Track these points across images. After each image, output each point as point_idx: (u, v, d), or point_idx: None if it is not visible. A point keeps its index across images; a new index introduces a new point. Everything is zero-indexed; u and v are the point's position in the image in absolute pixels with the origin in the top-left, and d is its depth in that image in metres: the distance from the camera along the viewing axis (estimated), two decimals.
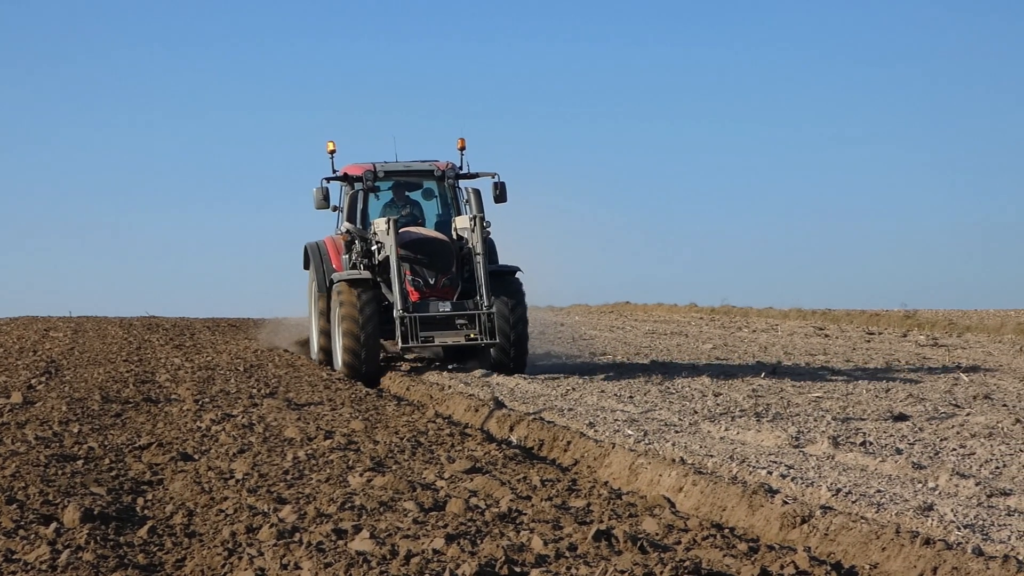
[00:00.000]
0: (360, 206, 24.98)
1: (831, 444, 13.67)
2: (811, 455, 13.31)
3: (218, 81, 65.71)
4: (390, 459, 13.31)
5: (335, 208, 25.29)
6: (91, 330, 35.83)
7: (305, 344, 28.89)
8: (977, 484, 11.25)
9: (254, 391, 20.22)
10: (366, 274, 23.83)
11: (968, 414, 16.59)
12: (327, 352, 24.91)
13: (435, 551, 9.11)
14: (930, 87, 61.79)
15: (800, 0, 62.51)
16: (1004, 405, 17.65)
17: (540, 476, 12.32)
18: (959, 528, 9.69)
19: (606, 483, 12.48)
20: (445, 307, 23.16)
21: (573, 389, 20.05)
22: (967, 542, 9.25)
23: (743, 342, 32.09)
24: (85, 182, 65.06)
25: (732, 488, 11.23)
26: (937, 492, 11.21)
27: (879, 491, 11.18)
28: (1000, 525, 9.83)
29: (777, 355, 27.50)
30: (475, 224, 23.28)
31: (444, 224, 25.14)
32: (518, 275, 24.16)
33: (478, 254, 23.14)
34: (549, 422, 16.16)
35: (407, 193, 25.58)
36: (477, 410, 18.01)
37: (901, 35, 61.92)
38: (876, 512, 10.36)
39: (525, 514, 10.49)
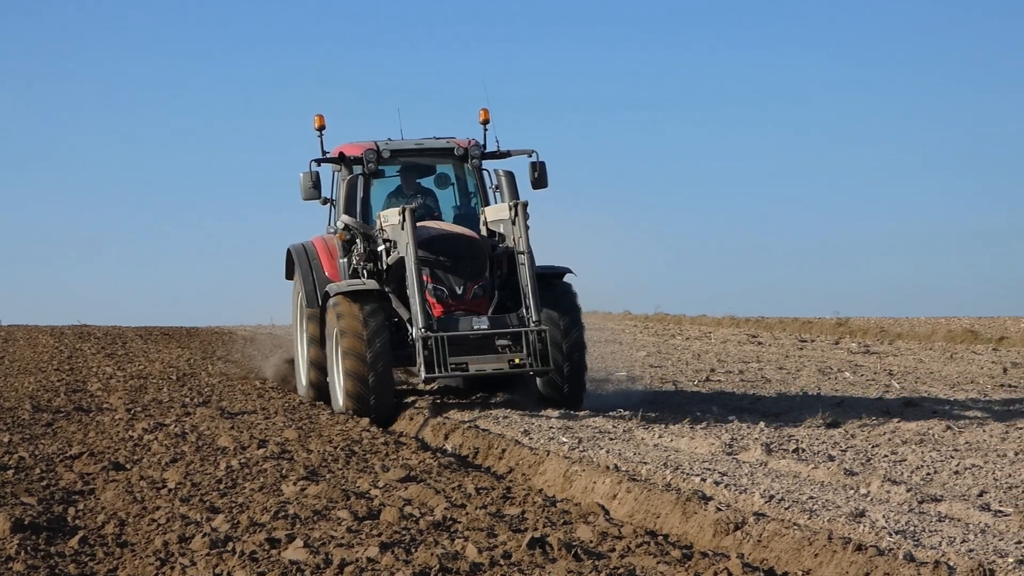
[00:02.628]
0: (360, 195, 19.55)
1: (764, 451, 13.75)
2: (744, 462, 13.38)
3: (159, 65, 63.76)
4: (324, 468, 13.26)
5: (326, 200, 20.06)
6: (21, 339, 35.49)
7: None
8: (908, 490, 11.34)
9: (187, 400, 20.09)
10: (372, 283, 18.62)
11: (899, 421, 16.73)
12: (320, 387, 19.79)
13: (369, 560, 9.09)
14: (862, 96, 62.33)
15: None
16: (934, 412, 17.81)
17: (475, 484, 12.31)
18: (891, 534, 9.76)
19: (540, 491, 12.49)
20: (481, 324, 17.91)
21: (509, 396, 20.01)
22: (898, 548, 9.32)
23: (677, 350, 32.21)
24: (12, 188, 64.23)
25: (666, 495, 11.27)
26: (869, 498, 11.29)
27: (812, 498, 11.25)
28: (931, 531, 9.91)
29: (711, 363, 27.62)
30: (516, 214, 18.18)
31: (465, 218, 19.84)
32: (568, 278, 19.16)
33: (521, 253, 17.99)
34: (484, 430, 16.16)
35: (418, 180, 20.24)
36: (412, 418, 17.98)
37: (837, 41, 62.46)
38: (808, 518, 10.43)
39: (460, 522, 10.48)
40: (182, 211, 62.81)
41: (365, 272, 19.03)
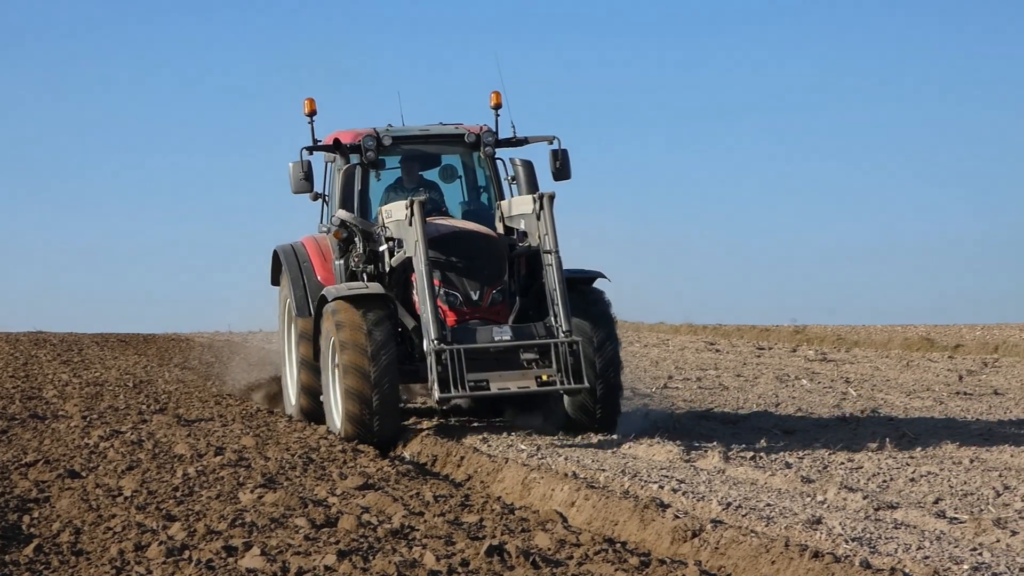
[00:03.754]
0: (358, 188, 17.17)
1: (722, 458, 13.79)
2: (702, 469, 13.41)
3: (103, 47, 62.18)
4: (281, 475, 13.23)
5: (317, 196, 17.87)
6: None
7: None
8: (864, 497, 11.39)
9: (143, 407, 20.01)
10: (376, 287, 16.36)
11: (856, 428, 16.81)
12: (312, 406, 17.71)
13: (327, 567, 9.08)
14: (820, 105, 62.63)
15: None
16: (891, 419, 17.89)
17: (433, 492, 12.30)
18: (847, 541, 9.80)
19: (499, 498, 12.49)
20: (503, 334, 15.61)
21: (466, 403, 19.98)
22: (855, 555, 9.36)
23: (635, 356, 32.26)
24: None
25: (624, 502, 11.28)
26: (825, 506, 11.34)
27: (769, 505, 11.29)
28: (887, 538, 9.96)
29: (668, 370, 27.68)
30: (541, 207, 15.90)
31: (475, 214, 17.48)
32: (599, 283, 16.91)
33: (548, 252, 15.78)
34: (442, 437, 16.13)
35: (420, 173, 17.85)
36: None
37: (785, 48, 62.73)
38: (766, 526, 10.46)
39: (418, 530, 10.47)
40: (141, 216, 62.32)
41: (365, 275, 16.83)
